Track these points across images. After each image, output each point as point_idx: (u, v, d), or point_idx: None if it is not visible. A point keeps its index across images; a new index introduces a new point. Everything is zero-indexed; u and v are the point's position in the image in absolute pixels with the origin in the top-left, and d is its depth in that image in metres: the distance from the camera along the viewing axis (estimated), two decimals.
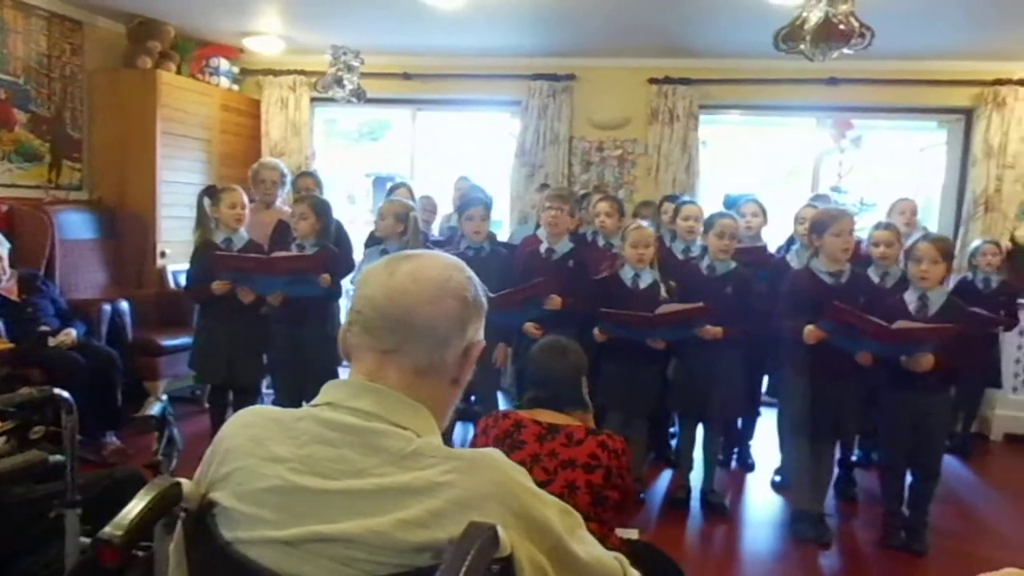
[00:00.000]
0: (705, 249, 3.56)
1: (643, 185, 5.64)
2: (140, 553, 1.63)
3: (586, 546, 1.04)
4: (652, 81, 5.51)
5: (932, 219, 5.51)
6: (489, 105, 6.13)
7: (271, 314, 3.65)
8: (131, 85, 4.99)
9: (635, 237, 3.46)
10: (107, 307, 4.22)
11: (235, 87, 5.85)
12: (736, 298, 3.41)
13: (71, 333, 3.78)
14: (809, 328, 3.06)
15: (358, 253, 4.24)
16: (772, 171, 7.27)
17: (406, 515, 0.90)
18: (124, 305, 4.37)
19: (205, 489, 1.04)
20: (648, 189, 5.55)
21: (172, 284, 5.04)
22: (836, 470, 3.72)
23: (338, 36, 4.97)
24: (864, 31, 2.92)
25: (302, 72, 5.89)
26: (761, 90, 5.40)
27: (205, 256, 3.60)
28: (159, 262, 5.04)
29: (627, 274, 3.50)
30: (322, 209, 3.65)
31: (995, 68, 5.04)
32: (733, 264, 3.48)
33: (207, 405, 4.16)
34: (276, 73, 5.95)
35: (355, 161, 7.87)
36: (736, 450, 4.27)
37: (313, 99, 6.01)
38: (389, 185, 4.77)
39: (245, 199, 3.74)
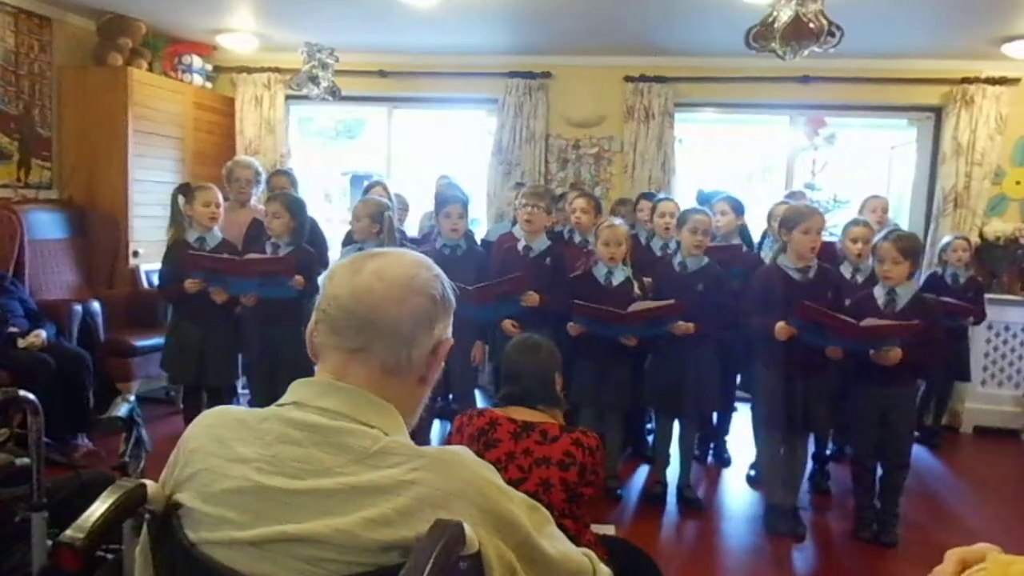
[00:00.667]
0: (679, 245, 3.59)
1: (619, 183, 5.66)
2: (109, 556, 1.62)
3: (554, 542, 1.05)
4: (628, 79, 5.53)
5: (903, 216, 5.59)
6: (465, 103, 6.12)
7: (245, 314, 3.62)
8: (101, 82, 4.92)
9: (607, 235, 3.47)
10: (78, 307, 4.16)
11: (208, 85, 5.78)
12: (708, 294, 3.44)
13: (41, 334, 3.73)
14: (780, 325, 3.09)
15: (335, 252, 4.22)
16: (747, 168, 7.33)
17: (373, 514, 0.90)
18: (95, 305, 4.32)
19: (170, 490, 1.03)
20: (624, 187, 5.58)
21: (145, 284, 4.98)
22: (810, 464, 3.77)
23: (313, 33, 4.93)
24: (834, 30, 2.96)
25: (276, 70, 5.84)
26: (735, 88, 5.44)
27: (178, 255, 3.57)
28: (131, 262, 4.97)
29: (600, 271, 3.52)
30: (296, 207, 3.62)
31: (963, 67, 5.12)
32: (705, 260, 3.51)
33: (182, 406, 4.12)
34: (250, 71, 5.89)
35: (331, 159, 7.82)
36: (712, 445, 4.31)
37: (288, 97, 5.96)
38: (365, 184, 4.75)
39: (220, 198, 3.70)
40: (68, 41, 5.02)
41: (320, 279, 1.09)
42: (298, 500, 0.93)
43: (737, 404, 4.31)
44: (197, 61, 5.61)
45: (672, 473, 3.72)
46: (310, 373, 1.07)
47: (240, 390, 4.24)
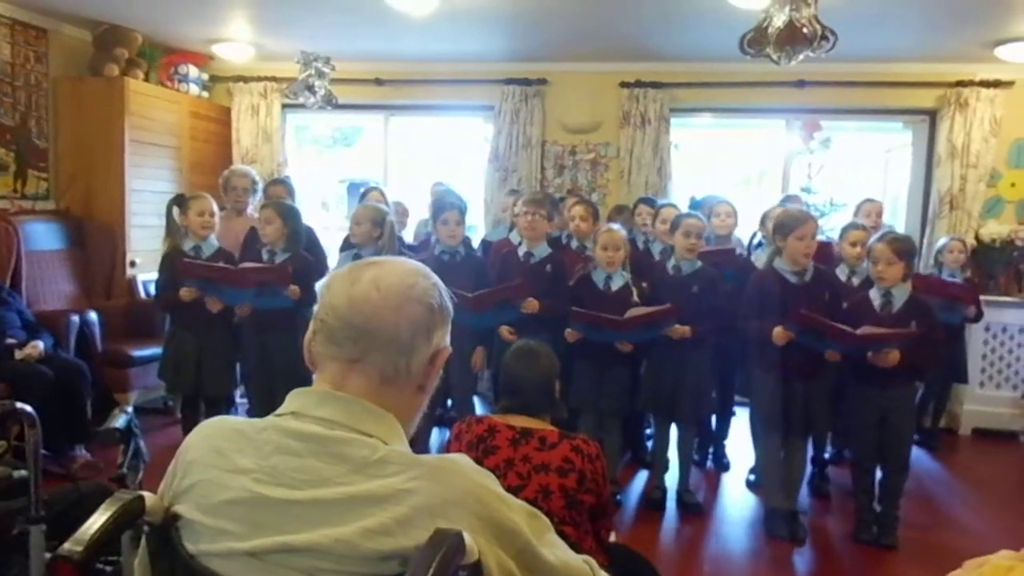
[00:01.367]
0: (672, 249, 3.60)
1: (615, 188, 5.67)
2: (108, 568, 1.61)
3: (554, 549, 1.04)
4: (623, 85, 5.55)
5: (899, 218, 5.61)
6: (462, 110, 6.13)
7: (242, 323, 3.62)
8: (98, 93, 4.92)
9: (605, 239, 3.48)
10: (75, 318, 4.15)
11: (205, 94, 5.79)
12: (702, 297, 3.45)
13: (38, 345, 3.72)
14: (778, 330, 3.10)
15: (332, 260, 4.22)
16: (743, 173, 7.35)
17: (372, 523, 0.90)
18: (93, 316, 4.31)
19: (169, 502, 1.03)
20: (621, 192, 5.59)
21: (142, 294, 4.97)
22: (809, 467, 3.77)
23: (308, 42, 4.94)
24: (828, 34, 2.97)
25: (273, 79, 5.85)
26: (731, 93, 5.46)
27: (173, 264, 3.56)
28: (128, 272, 4.97)
29: (599, 276, 3.52)
30: (288, 214, 3.62)
31: (957, 70, 5.14)
32: (699, 264, 3.52)
33: (179, 416, 4.11)
34: (246, 80, 5.90)
35: (328, 167, 7.83)
36: (711, 450, 4.31)
37: (284, 106, 5.98)
38: (362, 190, 4.75)
39: (214, 206, 3.70)
40: (64, 52, 5.02)
41: (317, 288, 1.09)
42: (297, 510, 0.92)
43: (736, 408, 4.31)
44: (193, 71, 5.61)
45: (671, 478, 3.72)
46: (308, 382, 1.07)
47: (238, 399, 4.24)
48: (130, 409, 1.75)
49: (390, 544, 0.89)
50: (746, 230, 4.63)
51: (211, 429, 1.05)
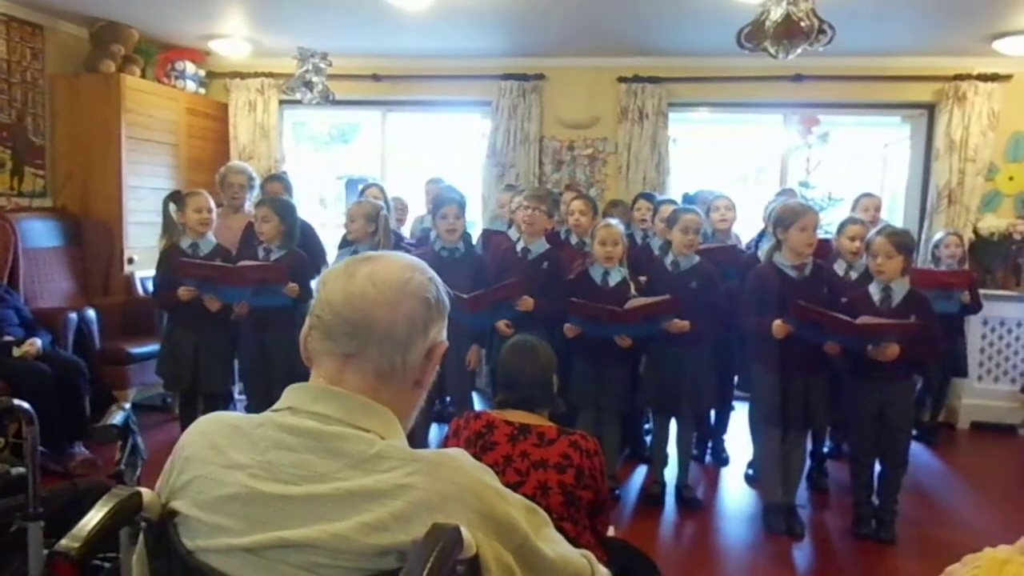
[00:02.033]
0: (670, 244, 3.60)
1: (614, 184, 5.67)
2: (106, 564, 1.61)
3: (553, 544, 1.04)
4: (621, 80, 5.54)
5: (898, 213, 5.61)
6: (459, 106, 6.13)
7: (239, 320, 3.61)
8: (94, 90, 4.91)
9: (603, 235, 3.48)
10: (73, 316, 4.15)
11: (201, 91, 5.78)
12: (701, 293, 3.45)
13: (36, 343, 3.72)
14: (777, 323, 3.10)
15: (331, 256, 4.21)
16: (741, 167, 7.35)
17: (369, 518, 0.90)
18: (91, 313, 4.31)
19: (166, 498, 1.02)
20: (619, 187, 5.58)
21: (140, 291, 4.97)
22: (808, 462, 3.78)
23: (305, 38, 4.93)
24: (825, 28, 2.97)
25: (270, 75, 5.84)
26: (729, 88, 5.45)
27: (171, 262, 3.56)
28: (126, 269, 4.96)
29: (597, 272, 3.52)
30: (284, 210, 3.62)
31: (955, 64, 5.13)
32: (697, 259, 3.52)
33: (178, 413, 4.11)
34: (243, 76, 5.89)
35: (326, 164, 7.82)
36: (710, 445, 4.31)
37: (282, 102, 5.97)
38: (361, 187, 4.75)
39: (211, 203, 3.70)
40: (60, 49, 5.01)
41: (314, 284, 1.09)
42: (294, 506, 0.92)
43: (735, 403, 4.31)
44: (190, 67, 5.60)
45: (670, 473, 3.72)
46: (305, 378, 1.06)
47: (236, 396, 4.24)
48: (128, 406, 1.75)
49: (387, 539, 0.89)
50: (744, 225, 4.63)
51: (208, 425, 1.05)
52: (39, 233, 4.60)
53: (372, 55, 5.63)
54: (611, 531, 2.17)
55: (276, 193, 4.31)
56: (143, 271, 4.95)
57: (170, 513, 1.00)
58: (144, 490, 1.02)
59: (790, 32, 2.89)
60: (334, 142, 8.14)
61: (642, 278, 3.70)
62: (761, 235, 4.32)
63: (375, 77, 5.77)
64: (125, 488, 1.00)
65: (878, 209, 4.42)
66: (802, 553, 3.22)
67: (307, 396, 1.01)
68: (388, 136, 6.22)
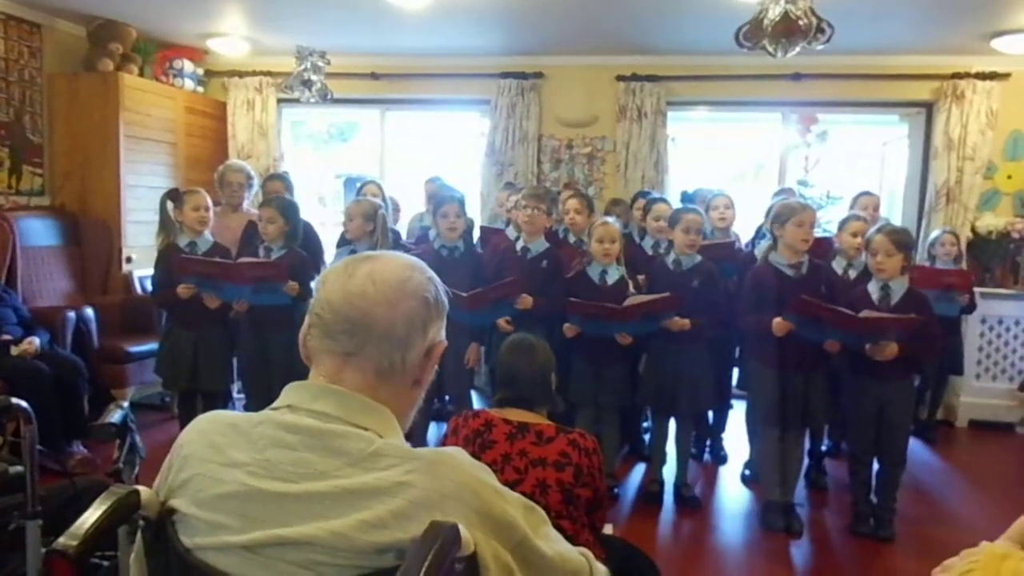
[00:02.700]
0: (671, 244, 3.59)
1: (612, 182, 5.67)
2: (105, 563, 1.61)
3: (551, 542, 1.04)
4: (619, 78, 5.54)
5: (896, 211, 5.61)
6: (457, 104, 6.12)
7: (239, 319, 3.61)
8: (92, 88, 4.90)
9: (601, 232, 3.48)
10: (71, 315, 4.15)
11: (200, 89, 5.77)
12: (703, 292, 3.45)
13: (34, 342, 3.72)
14: (777, 320, 3.10)
15: (329, 255, 4.21)
16: (740, 166, 7.35)
17: (367, 516, 0.90)
18: (89, 312, 4.31)
19: (164, 496, 1.02)
20: (618, 186, 5.58)
21: (139, 290, 4.96)
22: (806, 460, 3.78)
23: (304, 37, 4.93)
24: (824, 26, 2.97)
25: (268, 73, 5.84)
26: (727, 86, 5.45)
27: (169, 260, 3.56)
28: (125, 268, 4.96)
29: (595, 271, 3.52)
30: (289, 212, 3.62)
31: (953, 62, 5.14)
32: (698, 258, 3.52)
33: (177, 412, 4.10)
34: (242, 75, 5.88)
35: (324, 162, 7.82)
36: (709, 443, 4.31)
37: (280, 100, 5.96)
38: (359, 185, 4.74)
39: (209, 202, 3.69)
40: (58, 47, 5.00)
41: (313, 283, 1.08)
42: (292, 504, 0.92)
43: (733, 402, 4.32)
44: (188, 66, 5.59)
45: (669, 471, 3.72)
46: (305, 377, 1.07)
47: (235, 395, 4.23)
48: (126, 404, 1.75)
49: (386, 537, 0.89)
50: (744, 224, 4.63)
51: (206, 423, 1.05)
52: (37, 232, 4.59)
53: (371, 53, 5.62)
54: (609, 529, 2.17)
55: (277, 192, 4.31)
56: (141, 270, 4.94)
57: (168, 511, 1.00)
58: (142, 488, 1.02)
59: (788, 30, 2.89)
60: (332, 141, 8.14)
61: (640, 277, 3.70)
62: (759, 233, 4.32)
63: (374, 76, 5.77)
64: (123, 486, 1.00)
65: (877, 208, 4.43)
66: (800, 551, 3.23)
67: (306, 394, 1.02)
68: (387, 135, 6.22)
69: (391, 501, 0.91)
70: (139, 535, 1.04)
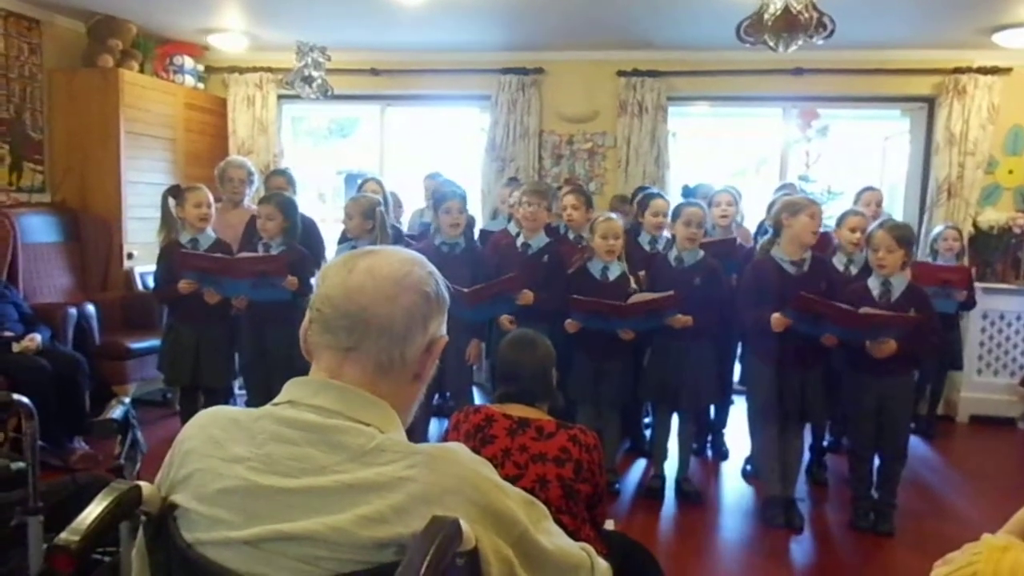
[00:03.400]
0: (673, 240, 3.59)
1: (613, 178, 5.66)
2: (107, 558, 1.61)
3: (552, 537, 1.05)
4: (620, 74, 5.53)
5: (897, 206, 5.61)
6: (458, 100, 6.11)
7: (240, 315, 3.61)
8: (92, 84, 4.90)
9: (604, 228, 3.47)
10: (72, 311, 4.15)
11: (200, 85, 5.77)
12: (705, 288, 3.44)
13: (35, 338, 3.72)
14: (776, 316, 3.09)
15: (331, 252, 4.21)
16: (741, 162, 7.34)
17: (368, 511, 0.90)
18: (90, 308, 4.31)
19: (166, 492, 1.03)
20: (618, 182, 5.58)
21: (140, 286, 4.97)
22: (807, 455, 3.78)
23: (304, 32, 4.92)
24: (825, 21, 2.96)
25: (268, 69, 5.83)
26: (728, 81, 5.44)
27: (171, 256, 3.56)
28: (126, 264, 4.96)
29: (596, 267, 3.52)
30: (288, 208, 3.61)
31: (954, 57, 5.13)
32: (701, 254, 3.51)
33: (178, 408, 4.11)
34: (242, 71, 5.88)
35: (325, 158, 7.82)
36: (710, 439, 4.31)
37: (280, 96, 5.96)
38: (359, 182, 4.74)
39: (210, 198, 3.69)
40: (58, 43, 5.00)
41: (313, 279, 1.08)
42: (293, 499, 0.92)
43: (734, 397, 4.32)
44: (188, 62, 5.59)
45: (670, 467, 3.72)
46: (306, 372, 1.06)
47: (237, 391, 4.24)
48: (127, 400, 1.75)
49: (386, 532, 0.89)
50: (747, 220, 4.62)
51: (207, 419, 1.05)
52: (38, 228, 4.59)
53: (371, 49, 5.61)
54: (610, 524, 2.18)
55: (279, 188, 4.30)
56: (142, 266, 4.94)
57: (170, 507, 1.01)
58: (143, 484, 1.02)
59: (790, 25, 2.88)
60: (333, 136, 8.13)
61: (641, 273, 3.70)
62: (761, 229, 4.31)
63: (374, 71, 5.76)
64: (124, 482, 1.00)
65: (880, 203, 4.42)
66: (801, 546, 3.23)
67: (307, 389, 1.02)
68: (387, 130, 6.21)
69: (392, 496, 0.91)
70: (140, 531, 1.04)
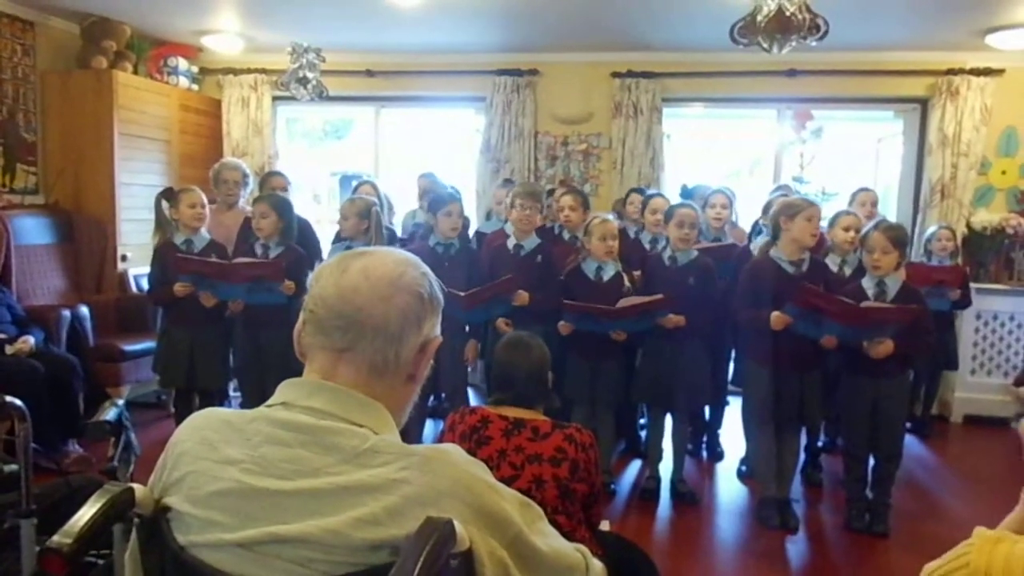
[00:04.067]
0: (666, 239, 3.60)
1: (608, 179, 5.67)
2: (100, 561, 1.60)
3: (546, 538, 1.04)
4: (615, 75, 5.54)
5: (891, 207, 5.62)
6: (453, 101, 6.11)
7: (235, 317, 3.61)
8: (86, 86, 4.89)
9: (602, 230, 3.48)
10: (66, 313, 4.13)
11: (194, 87, 5.75)
12: (699, 288, 3.45)
13: (28, 341, 3.71)
14: (776, 314, 3.10)
15: (324, 254, 4.20)
16: (735, 163, 7.35)
17: (362, 513, 0.90)
18: (84, 310, 4.30)
19: (159, 494, 1.02)
20: (613, 183, 5.59)
21: (134, 288, 4.95)
22: (802, 456, 3.78)
23: (298, 34, 4.92)
24: (818, 22, 2.97)
25: (263, 71, 5.82)
26: (723, 83, 5.45)
27: (166, 258, 3.55)
28: (120, 266, 4.95)
29: (590, 267, 3.52)
30: (282, 207, 3.61)
31: (947, 58, 5.15)
32: (695, 254, 3.52)
33: (173, 410, 4.09)
34: (236, 72, 5.86)
35: (319, 160, 7.80)
36: (705, 440, 4.32)
37: (275, 98, 5.95)
38: (354, 184, 4.74)
39: (204, 199, 3.69)
40: (52, 45, 4.98)
41: (308, 280, 1.08)
42: (287, 501, 0.92)
43: (729, 398, 4.32)
44: (182, 63, 5.57)
45: (665, 468, 3.73)
46: (300, 374, 1.06)
47: (231, 393, 4.23)
48: (121, 402, 1.74)
49: (380, 534, 0.89)
50: (741, 220, 4.63)
51: (201, 421, 1.05)
52: (31, 230, 4.57)
53: (365, 51, 5.61)
54: (606, 525, 2.18)
55: (279, 188, 4.30)
56: (136, 268, 4.93)
57: (163, 509, 1.00)
58: (136, 486, 1.01)
59: (782, 26, 2.89)
60: (328, 138, 8.12)
61: (636, 273, 3.70)
62: (755, 229, 4.32)
63: (368, 73, 5.75)
64: (117, 484, 1.00)
65: (875, 203, 4.43)
66: (796, 547, 3.24)
67: (300, 391, 1.01)
68: (382, 132, 6.21)
69: (385, 498, 0.91)
70: (134, 533, 1.04)
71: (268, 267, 3.49)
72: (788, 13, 2.81)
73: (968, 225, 5.17)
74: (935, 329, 3.39)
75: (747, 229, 4.51)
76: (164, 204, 3.66)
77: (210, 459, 0.98)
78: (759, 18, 2.89)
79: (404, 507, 0.90)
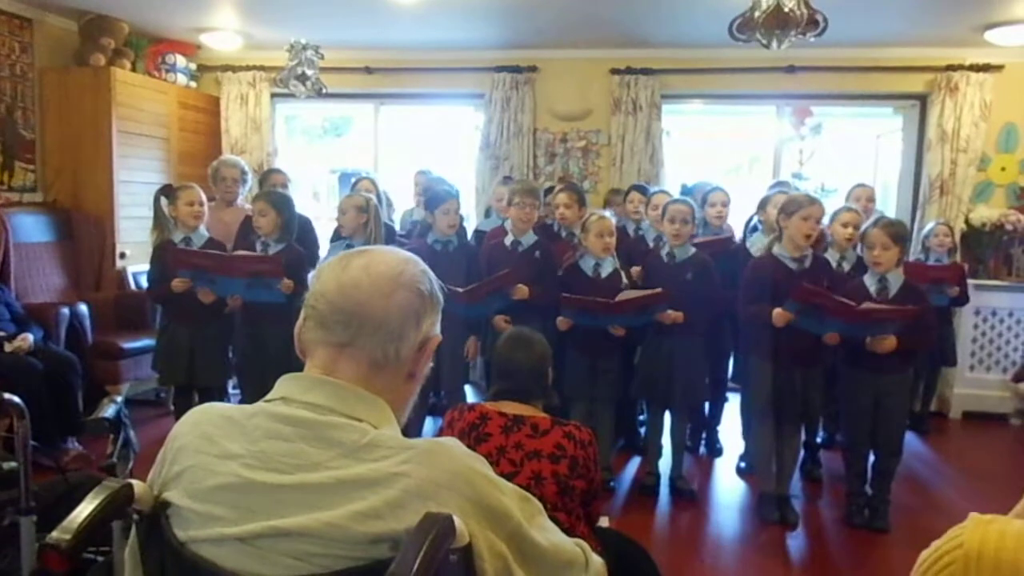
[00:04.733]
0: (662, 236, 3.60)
1: (607, 176, 5.66)
2: (99, 558, 1.60)
3: (546, 532, 1.05)
4: (614, 71, 5.53)
5: (890, 203, 5.62)
6: (452, 98, 6.11)
7: (234, 314, 3.61)
8: (84, 83, 4.88)
9: (599, 227, 3.48)
10: (65, 311, 4.13)
11: (193, 84, 5.75)
12: (697, 283, 3.45)
13: (27, 338, 3.71)
14: (778, 311, 3.09)
15: (323, 250, 4.20)
16: (734, 159, 7.35)
17: (361, 507, 0.90)
18: (83, 308, 4.30)
19: (158, 489, 1.02)
20: (612, 180, 5.58)
21: (133, 285, 4.95)
22: (801, 452, 3.78)
23: (297, 31, 4.90)
24: (817, 18, 2.97)
25: (262, 68, 5.81)
26: (721, 79, 5.45)
27: (165, 255, 3.55)
28: (118, 263, 4.94)
29: (588, 263, 3.53)
30: (282, 204, 3.61)
31: (946, 54, 5.14)
32: (692, 250, 3.52)
33: (172, 407, 4.09)
34: (235, 69, 5.85)
35: (319, 157, 7.80)
36: (704, 436, 4.32)
37: (274, 95, 5.94)
38: (353, 180, 4.74)
39: (202, 196, 3.68)
40: (50, 42, 4.97)
41: (309, 277, 1.08)
42: (286, 495, 0.92)
43: (728, 394, 4.32)
44: (181, 60, 5.57)
45: (664, 464, 3.73)
46: (300, 371, 1.06)
47: (231, 390, 4.23)
48: (119, 399, 1.74)
49: (380, 527, 0.89)
50: (739, 217, 4.63)
51: (200, 415, 1.05)
52: (30, 228, 4.57)
53: (364, 47, 5.60)
54: (605, 522, 2.18)
55: (279, 184, 4.30)
56: (135, 265, 4.92)
57: (162, 504, 1.00)
58: (135, 482, 1.01)
59: (781, 22, 2.89)
60: (327, 135, 8.11)
61: (635, 269, 3.71)
62: (749, 225, 4.32)
63: (367, 70, 5.75)
64: (116, 480, 1.00)
65: (871, 199, 4.42)
66: (796, 542, 3.24)
67: (300, 386, 1.02)
68: (381, 129, 6.20)
69: (385, 491, 0.91)
70: (133, 530, 1.04)
71: (268, 262, 3.49)
72: (787, 9, 2.81)
73: (967, 221, 5.17)
74: (938, 325, 3.38)
75: (741, 224, 4.50)
76: (163, 201, 3.65)
77: (210, 453, 0.98)
78: (757, 14, 2.88)
79: (404, 500, 0.90)
